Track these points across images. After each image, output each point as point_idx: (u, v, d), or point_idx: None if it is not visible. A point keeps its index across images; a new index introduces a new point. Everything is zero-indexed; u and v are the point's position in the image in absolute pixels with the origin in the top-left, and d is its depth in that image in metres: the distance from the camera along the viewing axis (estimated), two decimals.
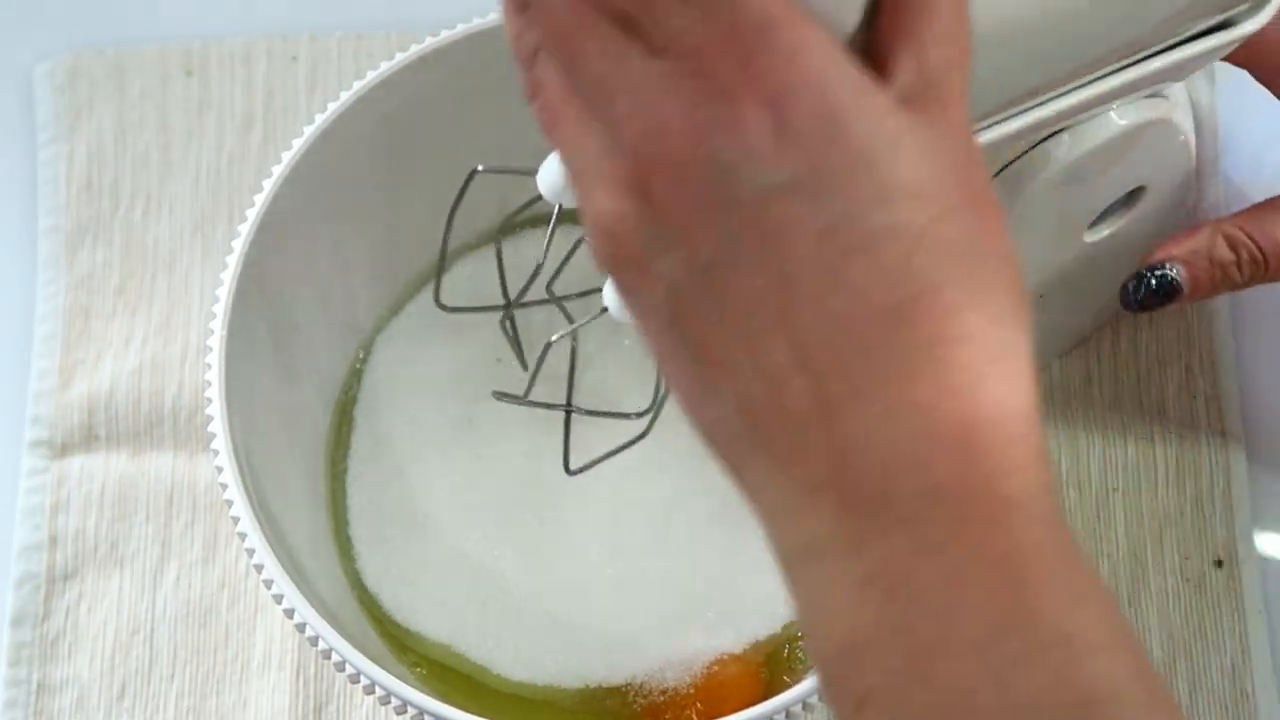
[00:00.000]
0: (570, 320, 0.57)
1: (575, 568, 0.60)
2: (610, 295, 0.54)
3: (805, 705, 0.48)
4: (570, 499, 0.61)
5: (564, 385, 0.57)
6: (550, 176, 0.44)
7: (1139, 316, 0.69)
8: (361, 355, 0.64)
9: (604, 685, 0.58)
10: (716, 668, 0.58)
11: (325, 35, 0.74)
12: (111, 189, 0.72)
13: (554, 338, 0.56)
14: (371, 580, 0.61)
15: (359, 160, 0.58)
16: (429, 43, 0.58)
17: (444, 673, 0.59)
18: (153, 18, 0.76)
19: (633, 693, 0.58)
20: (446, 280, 0.65)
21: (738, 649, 0.59)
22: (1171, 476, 0.66)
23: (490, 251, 0.62)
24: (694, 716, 0.57)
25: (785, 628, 0.59)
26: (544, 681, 0.58)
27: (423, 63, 0.57)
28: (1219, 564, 0.65)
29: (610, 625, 0.59)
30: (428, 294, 0.65)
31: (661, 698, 0.58)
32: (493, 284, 0.61)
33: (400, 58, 0.57)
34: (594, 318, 0.57)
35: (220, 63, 0.74)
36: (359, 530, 0.61)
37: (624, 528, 0.61)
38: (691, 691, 0.58)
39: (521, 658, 0.59)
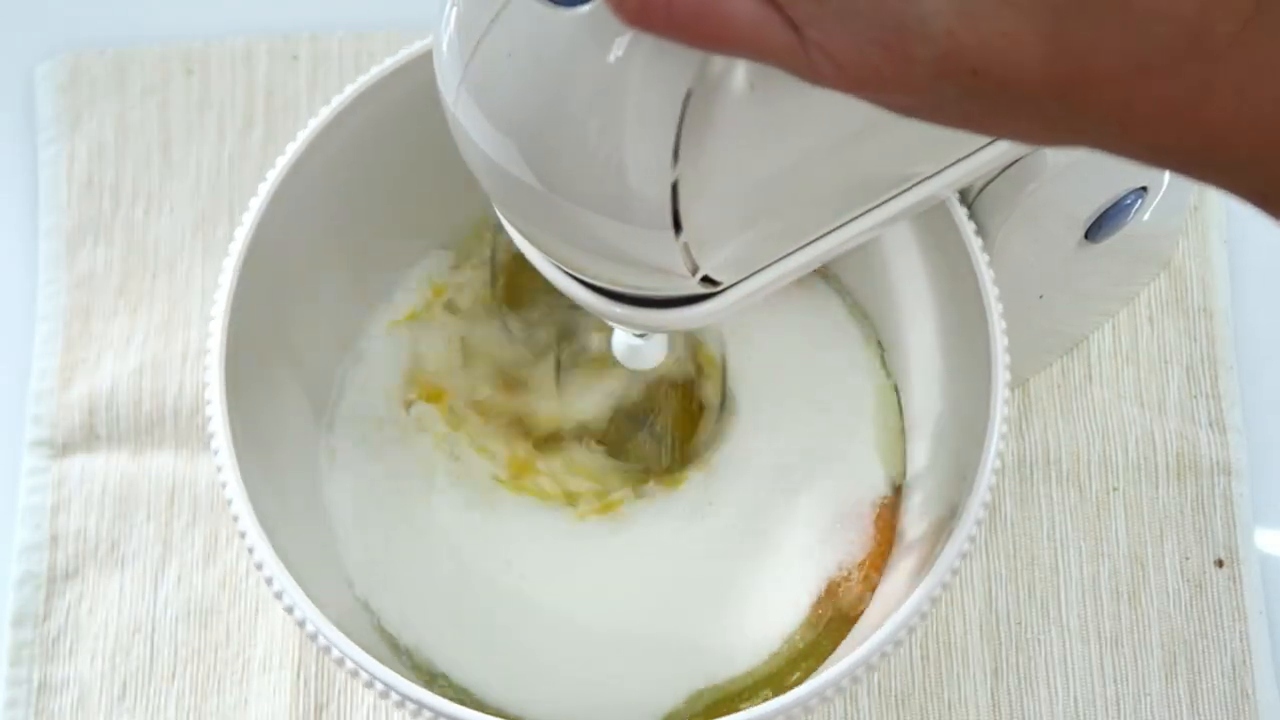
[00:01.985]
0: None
1: (574, 610, 0.59)
2: (619, 344, 0.54)
3: (805, 709, 0.48)
4: (573, 539, 0.60)
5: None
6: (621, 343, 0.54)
7: (1139, 316, 0.69)
8: (362, 352, 0.64)
9: None
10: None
11: (325, 35, 0.74)
12: (112, 188, 0.72)
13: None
14: (360, 588, 0.59)
15: (359, 159, 0.58)
16: (429, 41, 0.58)
17: (431, 682, 0.58)
18: (153, 18, 0.76)
19: None
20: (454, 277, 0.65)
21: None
22: (1171, 476, 0.66)
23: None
24: None
25: (767, 662, 0.58)
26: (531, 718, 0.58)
27: (423, 61, 0.57)
28: (1220, 564, 0.65)
29: (595, 671, 0.58)
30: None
31: None
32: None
33: (400, 55, 0.56)
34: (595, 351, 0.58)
35: (220, 63, 0.74)
36: (352, 538, 0.60)
37: (626, 568, 0.60)
38: None
39: (511, 696, 0.58)
